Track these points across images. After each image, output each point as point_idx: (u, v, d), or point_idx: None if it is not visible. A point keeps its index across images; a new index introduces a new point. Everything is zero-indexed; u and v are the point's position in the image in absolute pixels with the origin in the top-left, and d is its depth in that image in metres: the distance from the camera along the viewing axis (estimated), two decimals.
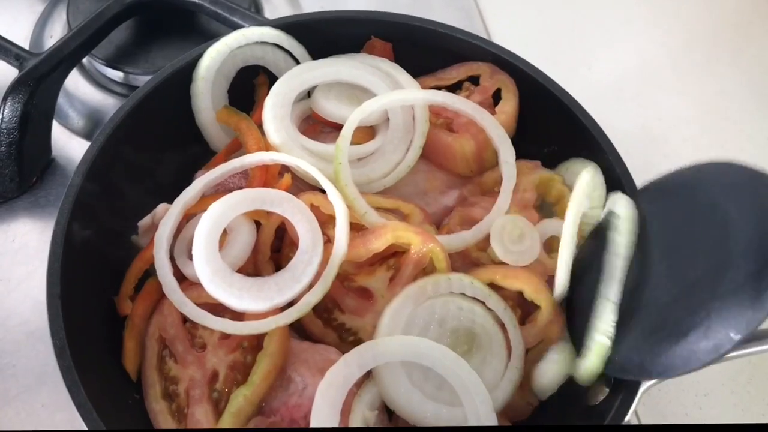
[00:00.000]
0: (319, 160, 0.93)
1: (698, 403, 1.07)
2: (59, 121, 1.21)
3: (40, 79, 1.08)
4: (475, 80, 1.04)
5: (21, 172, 1.11)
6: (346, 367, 0.79)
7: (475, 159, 0.98)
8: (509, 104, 1.00)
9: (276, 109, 0.96)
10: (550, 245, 0.93)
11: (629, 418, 1.02)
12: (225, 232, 0.87)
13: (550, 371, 0.85)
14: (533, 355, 0.87)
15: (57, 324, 0.79)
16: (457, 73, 1.04)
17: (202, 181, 0.91)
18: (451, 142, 0.97)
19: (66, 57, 1.12)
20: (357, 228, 0.91)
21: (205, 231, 0.83)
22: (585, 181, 0.88)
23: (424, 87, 1.02)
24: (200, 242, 0.83)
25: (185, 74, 0.99)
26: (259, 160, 0.91)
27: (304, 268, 0.84)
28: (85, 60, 1.26)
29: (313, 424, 0.76)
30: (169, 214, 0.89)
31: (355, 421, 0.80)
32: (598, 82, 1.38)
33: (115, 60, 1.24)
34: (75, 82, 1.26)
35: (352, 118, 0.93)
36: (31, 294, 1.07)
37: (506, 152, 0.96)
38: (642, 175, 0.93)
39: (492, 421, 0.79)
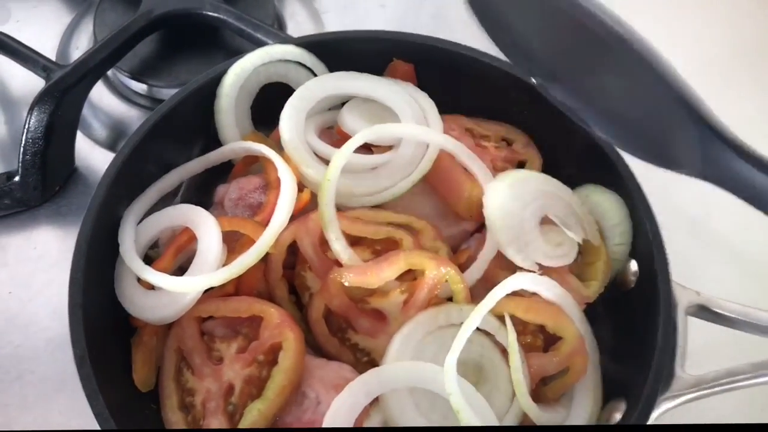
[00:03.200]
0: (320, 163, 0.95)
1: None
2: (83, 132, 1.23)
3: (66, 90, 1.10)
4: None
5: (44, 181, 1.13)
6: (351, 396, 0.79)
7: (479, 206, 0.95)
8: None
9: (298, 101, 0.97)
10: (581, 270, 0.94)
11: None
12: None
13: None
14: (556, 386, 0.87)
15: (78, 333, 0.80)
16: (494, 130, 1.05)
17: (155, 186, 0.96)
18: (463, 182, 0.96)
19: (92, 69, 1.14)
20: (370, 248, 0.92)
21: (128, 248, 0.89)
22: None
23: (459, 127, 1.03)
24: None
25: (209, 90, 1.00)
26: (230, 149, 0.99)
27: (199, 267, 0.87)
28: (109, 72, 1.28)
29: None
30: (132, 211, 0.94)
31: None
32: None
33: (140, 73, 1.25)
34: (99, 93, 1.28)
35: (357, 137, 0.93)
36: (51, 301, 1.08)
37: None
38: (660, 199, 0.93)
39: None
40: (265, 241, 0.86)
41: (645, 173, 0.94)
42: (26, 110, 1.09)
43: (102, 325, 0.85)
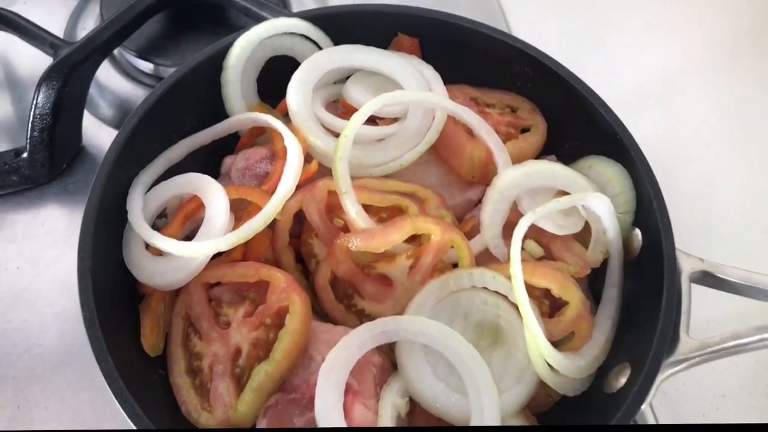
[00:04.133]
0: (326, 134, 0.96)
1: (715, 404, 1.07)
2: (90, 111, 1.24)
3: (74, 67, 1.11)
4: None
5: (52, 159, 1.14)
6: (346, 349, 0.81)
7: (480, 167, 0.98)
8: (533, 139, 1.03)
9: (304, 74, 0.99)
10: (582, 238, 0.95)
11: (645, 408, 1.03)
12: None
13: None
14: (562, 349, 0.87)
15: (87, 296, 0.81)
16: (499, 98, 1.06)
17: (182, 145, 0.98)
18: (465, 143, 0.98)
19: (99, 46, 1.15)
20: (376, 216, 0.92)
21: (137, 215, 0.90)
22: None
23: (464, 96, 1.04)
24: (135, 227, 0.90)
25: (216, 62, 1.01)
26: (237, 120, 0.99)
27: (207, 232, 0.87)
28: (116, 51, 1.29)
29: (317, 406, 0.78)
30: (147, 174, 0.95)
31: (385, 408, 0.82)
32: (621, 87, 1.38)
33: (146, 52, 1.26)
34: (106, 73, 1.29)
35: (367, 107, 0.94)
36: (58, 276, 1.09)
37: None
38: (663, 178, 0.94)
39: (495, 413, 0.80)
40: (272, 207, 0.86)
41: (648, 153, 0.95)
42: (34, 90, 1.09)
43: (110, 291, 0.86)
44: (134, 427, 0.76)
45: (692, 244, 0.93)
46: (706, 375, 1.09)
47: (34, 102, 1.09)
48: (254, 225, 0.85)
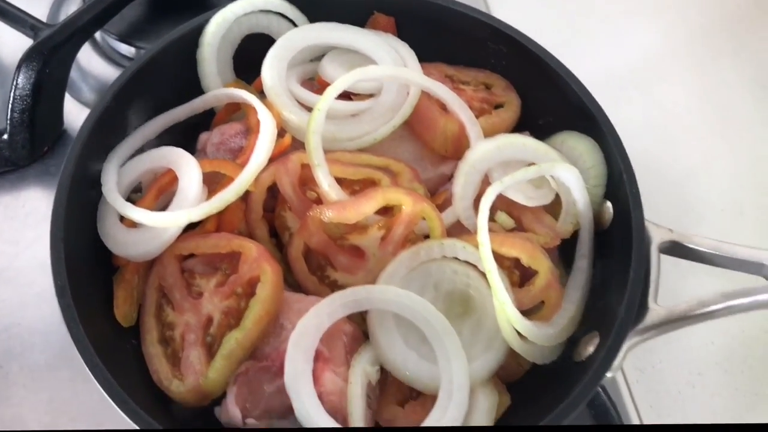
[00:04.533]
0: (301, 109, 0.96)
1: (692, 382, 1.08)
2: (72, 95, 1.25)
3: (54, 48, 1.12)
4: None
5: (33, 140, 1.14)
6: (316, 317, 0.82)
7: (453, 141, 0.99)
8: (507, 115, 1.03)
9: (279, 50, 0.99)
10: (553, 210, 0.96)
11: (620, 381, 1.04)
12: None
13: None
14: (532, 319, 0.87)
15: (59, 265, 0.82)
16: (474, 76, 1.07)
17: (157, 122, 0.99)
18: (438, 117, 0.99)
19: (79, 28, 1.15)
20: (349, 189, 0.93)
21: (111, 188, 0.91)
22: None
23: (440, 73, 1.05)
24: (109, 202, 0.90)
25: (192, 39, 1.01)
26: (213, 96, 1.00)
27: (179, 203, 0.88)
28: (97, 35, 1.30)
29: (286, 372, 0.79)
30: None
31: (355, 375, 0.82)
32: (601, 72, 1.39)
33: (128, 35, 1.27)
34: (87, 56, 1.29)
35: (340, 81, 0.94)
36: (38, 256, 1.10)
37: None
38: (642, 161, 0.95)
39: (464, 380, 0.81)
40: (244, 178, 0.87)
41: (627, 137, 0.95)
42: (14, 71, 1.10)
43: (84, 263, 0.87)
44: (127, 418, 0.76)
45: (671, 225, 0.94)
46: (683, 352, 1.10)
47: (14, 83, 1.09)
48: (226, 195, 0.86)
